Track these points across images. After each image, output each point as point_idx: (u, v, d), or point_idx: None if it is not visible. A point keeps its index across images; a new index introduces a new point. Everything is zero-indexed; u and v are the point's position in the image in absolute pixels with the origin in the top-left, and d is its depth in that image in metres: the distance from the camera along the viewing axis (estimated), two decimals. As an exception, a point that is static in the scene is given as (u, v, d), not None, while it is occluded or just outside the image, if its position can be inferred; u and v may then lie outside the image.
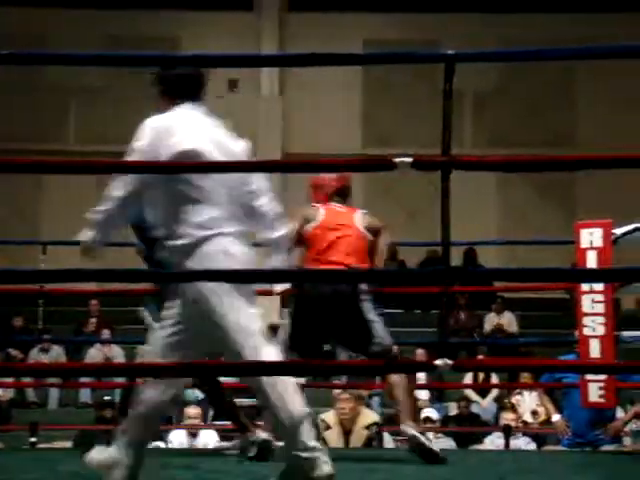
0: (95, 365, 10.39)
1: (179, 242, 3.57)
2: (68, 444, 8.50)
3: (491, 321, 12.73)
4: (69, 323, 12.35)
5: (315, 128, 14.15)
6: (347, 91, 14.29)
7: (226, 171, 4.29)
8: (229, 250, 3.55)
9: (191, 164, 3.74)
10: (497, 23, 13.97)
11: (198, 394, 11.21)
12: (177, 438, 8.65)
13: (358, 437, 6.97)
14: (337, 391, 7.51)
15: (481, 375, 10.54)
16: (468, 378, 10.67)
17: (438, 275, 3.59)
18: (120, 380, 9.77)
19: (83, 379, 10.27)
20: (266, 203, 3.82)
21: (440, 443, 8.83)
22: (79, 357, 11.96)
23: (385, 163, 3.34)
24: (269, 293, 9.40)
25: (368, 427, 7.03)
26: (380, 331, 5.08)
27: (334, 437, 7.08)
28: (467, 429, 9.74)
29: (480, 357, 10.95)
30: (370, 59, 4.52)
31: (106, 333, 11.92)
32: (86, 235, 3.74)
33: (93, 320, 12.39)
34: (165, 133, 3.66)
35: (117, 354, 11.93)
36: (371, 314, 5.10)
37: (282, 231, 3.92)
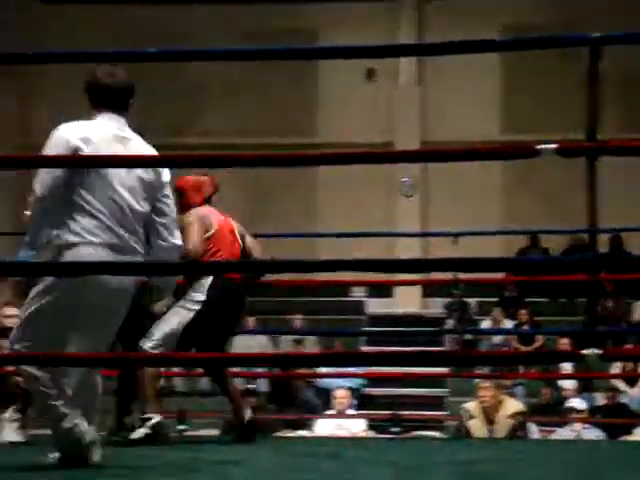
0: (237, 355, 10.57)
1: (55, 243, 3.81)
2: (215, 432, 8.66)
3: (640, 309, 12.42)
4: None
5: (453, 115, 14.03)
6: (485, 77, 14.11)
7: (368, 162, 4.30)
8: (86, 259, 3.74)
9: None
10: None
11: (340, 384, 11.32)
12: (323, 428, 8.72)
13: (502, 426, 6.89)
14: (478, 380, 7.46)
15: (630, 364, 10.29)
16: (616, 367, 10.42)
17: (587, 263, 3.52)
18: (263, 370, 9.92)
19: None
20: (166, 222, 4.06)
21: (588, 434, 8.67)
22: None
23: (528, 150, 3.27)
24: (411, 282, 9.37)
25: (512, 416, 6.94)
26: None
27: (478, 427, 7.02)
28: (615, 420, 9.51)
29: (629, 346, 10.69)
30: (511, 45, 4.44)
31: (250, 323, 12.09)
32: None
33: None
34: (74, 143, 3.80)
35: (262, 344, 12.09)
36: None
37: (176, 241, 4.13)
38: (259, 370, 10.03)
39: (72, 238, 3.79)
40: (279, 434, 8.46)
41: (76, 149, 3.79)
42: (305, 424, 9.30)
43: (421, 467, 4.14)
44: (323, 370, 9.86)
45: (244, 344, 12.03)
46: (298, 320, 12.07)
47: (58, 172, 3.76)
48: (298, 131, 14.22)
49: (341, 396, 8.96)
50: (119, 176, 3.84)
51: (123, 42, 13.86)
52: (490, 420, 6.98)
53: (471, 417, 7.05)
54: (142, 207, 3.91)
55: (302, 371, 9.46)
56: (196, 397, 11.93)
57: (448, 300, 12.17)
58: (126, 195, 3.86)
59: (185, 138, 14.03)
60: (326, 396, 10.62)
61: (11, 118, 14.70)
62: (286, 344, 12.10)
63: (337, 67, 13.10)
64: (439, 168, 12.80)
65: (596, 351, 3.32)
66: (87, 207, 3.80)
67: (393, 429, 7.53)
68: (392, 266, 4.89)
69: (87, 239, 3.79)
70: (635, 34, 3.57)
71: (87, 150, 3.79)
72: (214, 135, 14.38)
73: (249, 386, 10.36)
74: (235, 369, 10.27)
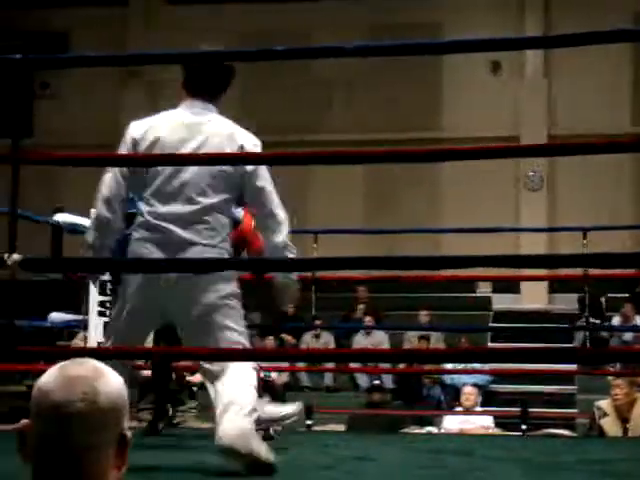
0: (360, 350, 10.62)
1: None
2: (341, 427, 8.70)
3: None
4: (339, 310, 12.63)
5: (581, 108, 13.74)
6: (615, 68, 13.78)
7: (494, 156, 4.25)
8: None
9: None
10: None
11: (466, 381, 11.24)
12: (450, 424, 8.67)
13: (637, 425, 6.73)
14: (611, 378, 7.30)
15: None
16: None
17: None
18: (387, 365, 9.93)
19: (353, 364, 10.48)
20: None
21: None
22: (348, 344, 12.22)
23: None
24: (538, 278, 9.20)
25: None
26: None
27: (611, 425, 6.87)
28: None
29: None
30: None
31: (369, 320, 12.09)
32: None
33: (361, 307, 12.62)
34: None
35: (383, 340, 12.10)
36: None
37: None
38: (384, 366, 10.05)
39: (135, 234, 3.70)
40: (406, 430, 8.45)
41: (134, 143, 3.77)
42: (432, 420, 9.26)
43: (553, 465, 4.08)
44: (449, 366, 9.80)
45: (369, 340, 12.06)
46: (424, 316, 12.02)
47: (118, 171, 3.70)
48: (423, 126, 14.15)
49: (469, 392, 8.89)
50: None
51: (249, 41, 14.05)
52: (624, 418, 6.82)
53: (604, 415, 6.91)
54: (211, 198, 3.69)
55: (428, 367, 9.43)
56: (322, 392, 12.01)
57: (579, 296, 11.96)
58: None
59: (310, 135, 14.11)
60: (453, 392, 10.57)
61: (140, 117, 15.01)
62: (411, 340, 12.07)
63: (462, 60, 12.98)
64: (567, 162, 12.58)
65: None
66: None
67: (521, 426, 7.42)
68: (519, 261, 4.82)
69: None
70: None
71: (145, 144, 3.75)
72: (339, 132, 14.44)
73: (375, 382, 10.38)
74: (359, 365, 10.37)
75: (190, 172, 3.66)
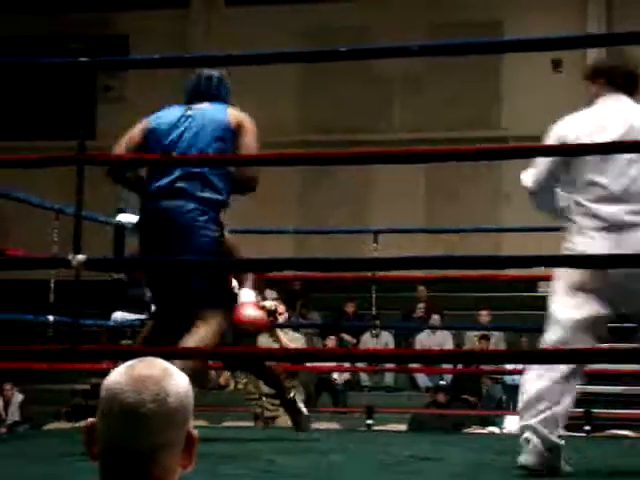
0: (422, 351, 10.58)
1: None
2: (403, 427, 8.69)
3: None
4: (399, 309, 12.61)
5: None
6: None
7: (556, 154, 4.23)
8: None
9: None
10: None
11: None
12: (512, 424, 8.60)
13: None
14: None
15: None
16: None
17: None
18: (449, 365, 9.88)
19: (415, 364, 10.46)
20: None
21: None
22: (408, 343, 12.20)
23: None
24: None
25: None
26: None
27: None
28: None
29: None
30: None
31: (435, 319, 12.07)
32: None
33: (421, 306, 12.59)
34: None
35: (446, 339, 12.05)
36: None
37: None
38: (445, 366, 10.01)
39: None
40: (468, 430, 8.41)
41: (561, 139, 3.97)
42: (494, 420, 9.21)
43: (622, 467, 4.04)
44: (509, 367, 9.73)
45: (428, 341, 12.02)
46: (484, 316, 11.95)
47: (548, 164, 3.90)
48: (483, 125, 14.08)
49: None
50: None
51: (302, 42, 14.09)
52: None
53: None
54: None
55: (488, 367, 9.37)
56: (382, 392, 12.01)
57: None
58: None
59: (368, 135, 14.11)
60: (514, 392, 10.48)
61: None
62: (472, 340, 12.01)
63: (522, 58, 12.87)
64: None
65: None
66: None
67: (585, 427, 7.35)
68: (581, 261, 4.77)
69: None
70: None
71: (571, 138, 3.92)
72: (398, 131, 14.42)
73: (441, 382, 10.34)
74: (419, 365, 10.34)
75: None
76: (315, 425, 6.55)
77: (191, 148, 4.17)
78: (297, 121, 14.80)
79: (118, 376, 1.48)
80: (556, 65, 13.93)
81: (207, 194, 4.13)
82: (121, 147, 4.29)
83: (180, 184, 4.13)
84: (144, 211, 4.30)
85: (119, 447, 1.44)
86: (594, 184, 3.72)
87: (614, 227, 3.65)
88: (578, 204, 3.75)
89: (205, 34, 15.01)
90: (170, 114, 4.37)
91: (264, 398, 7.46)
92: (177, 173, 4.15)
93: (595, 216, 3.68)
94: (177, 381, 1.48)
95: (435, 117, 14.28)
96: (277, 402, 7.33)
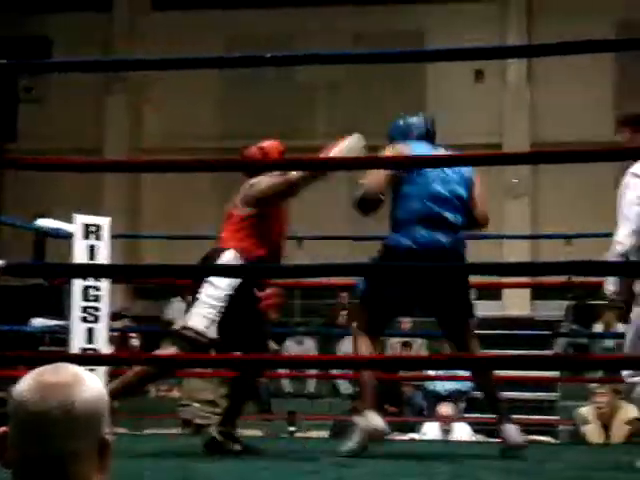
0: (344, 357, 10.59)
1: None
2: (325, 434, 8.70)
3: None
4: (323, 316, 12.63)
5: (564, 116, 13.80)
6: (597, 76, 13.85)
7: (479, 164, 4.29)
8: None
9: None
10: None
11: (450, 387, 11.24)
12: (431, 431, 8.68)
13: (618, 432, 6.76)
14: (593, 385, 7.33)
15: None
16: None
17: None
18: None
19: (336, 371, 10.48)
20: None
21: None
22: (331, 349, 12.21)
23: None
24: (522, 285, 9.20)
25: (630, 422, 6.81)
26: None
27: (593, 432, 6.90)
28: None
29: None
30: (624, 44, 4.35)
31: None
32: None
33: (344, 313, 12.61)
34: None
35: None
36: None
37: None
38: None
39: None
40: (388, 437, 8.43)
41: None
42: (414, 427, 9.27)
43: (537, 472, 4.09)
44: (431, 373, 9.81)
45: (351, 347, 12.06)
46: (406, 322, 12.02)
47: None
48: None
49: (446, 413, 8.90)
50: None
51: (234, 47, 14.07)
52: (606, 425, 6.86)
53: (585, 422, 6.93)
54: None
55: (410, 374, 9.43)
56: (304, 399, 12.01)
57: (567, 303, 12.02)
58: None
59: (291, 141, 14.09)
60: (435, 399, 10.58)
61: (123, 122, 15.03)
62: (394, 347, 12.08)
63: (445, 68, 13.03)
64: (550, 169, 12.61)
65: None
66: None
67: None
68: (502, 269, 4.85)
69: None
70: None
71: None
72: (321, 138, 14.45)
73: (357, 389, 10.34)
74: (340, 372, 10.35)
75: None
76: (238, 432, 6.50)
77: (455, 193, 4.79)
78: (218, 128, 14.77)
79: (26, 383, 1.46)
80: (478, 75, 14.11)
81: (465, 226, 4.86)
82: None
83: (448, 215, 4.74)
84: (412, 239, 4.72)
85: (28, 454, 1.42)
86: None
87: None
88: None
89: (129, 38, 14.89)
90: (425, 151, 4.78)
91: (196, 404, 7.39)
92: (446, 205, 4.75)
93: None
94: (86, 388, 1.46)
95: (358, 125, 14.34)
96: (211, 409, 7.29)
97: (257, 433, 8.42)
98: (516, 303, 13.51)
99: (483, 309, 13.57)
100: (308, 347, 12.20)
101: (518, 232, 12.89)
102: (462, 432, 8.65)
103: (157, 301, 12.63)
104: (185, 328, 4.62)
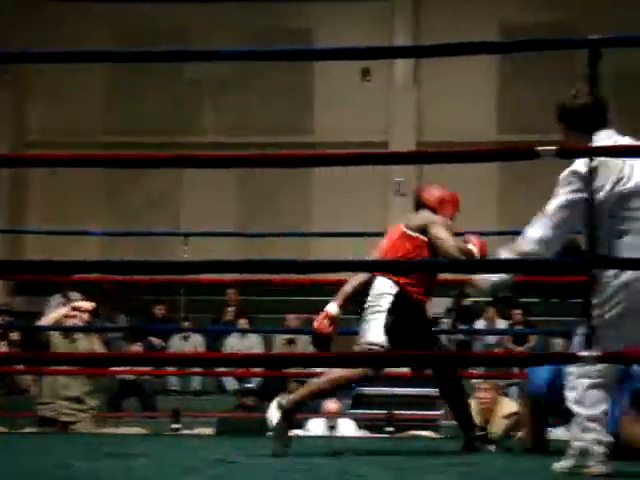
0: (229, 354, 10.59)
1: None
2: (209, 431, 8.66)
3: None
4: (209, 312, 12.58)
5: (449, 116, 14.01)
6: (482, 77, 14.10)
7: (361, 163, 4.32)
8: None
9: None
10: None
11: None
12: (316, 427, 8.72)
13: (497, 426, 6.90)
14: (477, 381, 7.46)
15: None
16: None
17: (581, 264, 3.54)
18: (258, 369, 9.92)
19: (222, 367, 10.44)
20: None
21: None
22: (218, 346, 12.19)
23: (527, 152, 3.27)
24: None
25: (508, 416, 6.95)
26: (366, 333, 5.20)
27: (473, 427, 7.02)
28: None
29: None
30: (508, 47, 4.44)
31: (243, 322, 12.09)
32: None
33: (230, 309, 12.60)
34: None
35: (255, 343, 12.10)
36: (370, 315, 5.24)
37: None
38: (253, 370, 10.04)
39: None
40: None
41: None
42: (300, 423, 9.31)
43: (420, 467, 4.15)
44: (318, 370, 9.85)
45: (238, 344, 12.05)
46: (293, 320, 12.06)
47: None
48: (294, 130, 14.23)
49: (333, 409, 8.95)
50: None
51: (123, 41, 13.90)
52: (486, 420, 6.99)
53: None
54: None
55: (296, 371, 9.45)
56: (190, 395, 11.95)
57: (449, 300, 12.20)
58: None
59: (180, 137, 14.05)
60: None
61: (6, 116, 14.71)
62: (280, 344, 12.12)
63: (333, 66, 13.09)
64: (435, 168, 12.77)
65: (594, 353, 3.34)
66: None
67: (387, 429, 7.54)
68: (386, 266, 4.91)
69: None
70: (633, 37, 3.57)
71: None
72: (209, 134, 14.40)
73: (247, 385, 10.35)
74: (229, 369, 10.32)
75: None
76: (120, 430, 6.44)
77: None
78: (104, 122, 14.57)
79: None
80: (365, 74, 14.23)
81: None
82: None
83: None
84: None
85: None
86: None
87: None
88: None
89: (26, 29, 14.51)
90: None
91: (61, 402, 7.24)
92: None
93: None
94: None
95: (248, 121, 14.34)
96: (76, 407, 7.17)
97: (141, 431, 8.35)
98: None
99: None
100: (195, 343, 12.15)
101: (403, 230, 13.02)
102: (347, 428, 8.72)
103: (38, 297, 12.41)
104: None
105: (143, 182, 13.85)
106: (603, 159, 3.69)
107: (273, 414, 5.01)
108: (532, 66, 13.42)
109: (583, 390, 3.72)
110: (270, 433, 4.91)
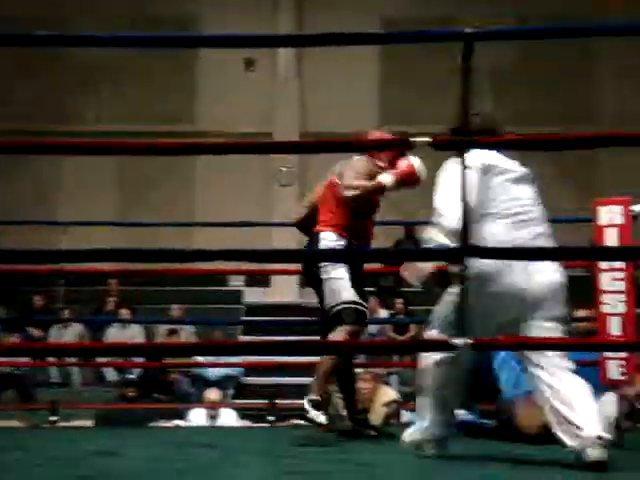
0: (109, 344, 10.47)
1: None
2: (89, 423, 8.56)
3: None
4: (89, 303, 12.41)
5: (332, 107, 14.11)
6: (365, 69, 14.24)
7: (244, 152, 4.32)
8: None
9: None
10: (516, 0, 13.89)
11: (217, 373, 11.30)
12: (197, 417, 8.70)
13: (377, 415, 6.99)
14: (358, 370, 7.53)
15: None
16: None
17: (450, 252, 3.60)
18: (140, 360, 9.84)
19: (104, 358, 10.31)
20: None
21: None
22: (99, 337, 12.02)
23: (402, 142, 3.33)
24: (288, 272, 9.36)
25: (387, 404, 7.05)
26: (329, 293, 5.13)
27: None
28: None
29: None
30: (387, 38, 4.50)
31: (124, 313, 11.96)
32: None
33: (111, 300, 12.45)
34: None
35: (137, 334, 11.98)
36: (326, 275, 5.16)
37: None
38: (134, 360, 9.95)
39: None
40: (153, 424, 8.41)
41: None
42: (180, 414, 9.27)
43: (298, 454, 4.18)
44: (201, 359, 9.83)
45: (119, 334, 11.91)
46: (175, 310, 11.99)
47: None
48: (176, 119, 14.13)
49: (214, 398, 8.95)
50: None
51: (16, 26, 13.56)
52: (366, 409, 7.07)
53: (346, 405, 7.10)
54: None
55: (179, 361, 9.42)
56: (70, 388, 11.76)
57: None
58: None
59: (59, 126, 13.79)
60: (203, 385, 10.61)
61: None
62: (162, 334, 12.02)
63: (216, 55, 13.04)
64: (318, 159, 12.84)
65: (468, 341, 3.41)
66: None
67: (269, 418, 7.57)
68: (269, 256, 4.91)
69: None
70: (506, 30, 3.65)
71: None
72: (89, 123, 14.19)
73: (128, 376, 10.24)
74: (109, 359, 10.21)
75: None
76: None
77: None
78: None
79: None
80: (249, 64, 14.21)
81: None
82: None
83: None
84: None
85: None
86: None
87: None
88: None
89: None
90: None
91: None
92: None
93: None
94: None
95: (129, 110, 14.16)
96: None
97: (16, 424, 8.19)
98: (285, 290, 13.72)
99: (253, 296, 13.77)
100: (76, 334, 11.96)
101: (287, 220, 13.04)
102: (228, 418, 8.72)
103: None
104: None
105: (22, 170, 13.57)
106: (479, 153, 3.80)
107: (313, 414, 4.94)
108: (413, 59, 13.62)
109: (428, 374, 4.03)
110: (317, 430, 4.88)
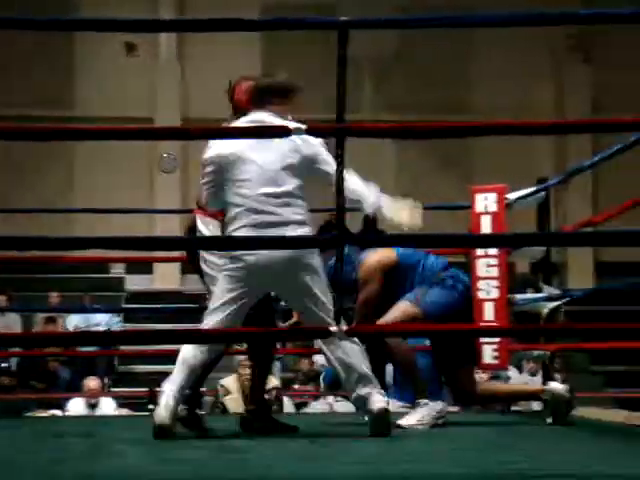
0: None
1: None
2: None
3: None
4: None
5: (214, 92, 13.97)
6: (246, 56, 14.19)
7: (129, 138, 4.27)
8: None
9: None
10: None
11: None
12: (75, 407, 8.59)
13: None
14: (240, 357, 7.54)
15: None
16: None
17: (332, 241, 3.63)
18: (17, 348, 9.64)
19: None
20: None
21: (341, 407, 8.93)
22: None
23: (281, 130, 3.35)
24: (170, 260, 9.31)
25: (267, 391, 7.07)
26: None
27: (234, 402, 7.10)
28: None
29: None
30: (263, 25, 4.51)
31: (1, 300, 11.70)
32: None
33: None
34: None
35: (13, 322, 11.74)
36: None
37: None
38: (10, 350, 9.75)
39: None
40: (30, 414, 8.27)
41: None
42: (59, 403, 9.13)
43: (175, 442, 4.17)
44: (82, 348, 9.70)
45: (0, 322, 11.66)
46: (54, 297, 11.79)
47: None
48: (55, 104, 13.84)
49: (94, 386, 8.86)
50: None
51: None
52: (247, 395, 7.08)
53: (227, 393, 7.12)
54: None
55: (56, 350, 9.26)
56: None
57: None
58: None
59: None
60: (80, 376, 10.46)
61: None
62: (40, 322, 11.81)
63: (96, 39, 12.84)
64: (200, 145, 12.77)
65: (343, 327, 3.46)
66: None
67: (149, 406, 7.53)
68: (151, 244, 4.86)
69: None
70: (381, 19, 3.69)
71: None
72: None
73: (3, 365, 10.05)
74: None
75: None
76: None
77: None
78: None
79: None
80: (130, 48, 14.02)
81: None
82: None
83: None
84: None
85: None
86: None
87: None
88: None
89: None
90: None
91: None
92: None
93: None
94: None
95: (6, 94, 13.83)
96: None
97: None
98: (166, 277, 13.63)
99: (135, 283, 13.64)
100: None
101: (169, 207, 12.95)
102: (107, 407, 8.63)
103: None
104: None
105: None
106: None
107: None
108: (295, 43, 13.63)
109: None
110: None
